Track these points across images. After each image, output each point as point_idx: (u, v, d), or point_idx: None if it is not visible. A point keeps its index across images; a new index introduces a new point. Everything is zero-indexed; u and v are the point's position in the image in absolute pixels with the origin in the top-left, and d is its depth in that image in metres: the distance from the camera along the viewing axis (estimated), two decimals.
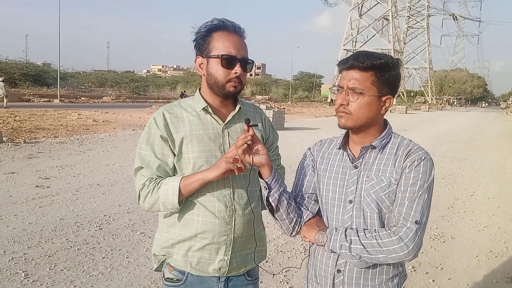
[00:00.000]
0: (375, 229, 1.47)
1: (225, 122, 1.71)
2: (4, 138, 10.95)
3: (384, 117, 1.57)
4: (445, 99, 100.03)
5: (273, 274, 3.70)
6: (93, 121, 17.06)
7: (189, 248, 1.69)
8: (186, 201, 1.66)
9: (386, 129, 1.55)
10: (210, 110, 1.70)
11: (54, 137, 12.44)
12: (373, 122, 1.51)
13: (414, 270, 4.15)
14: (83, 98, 38.14)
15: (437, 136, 18.92)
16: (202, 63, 1.69)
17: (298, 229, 1.61)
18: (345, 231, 1.48)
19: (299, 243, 4.70)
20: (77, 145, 11.26)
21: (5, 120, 15.12)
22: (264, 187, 1.53)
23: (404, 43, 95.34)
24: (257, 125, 1.65)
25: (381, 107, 1.50)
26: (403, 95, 77.36)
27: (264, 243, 1.87)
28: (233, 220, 1.68)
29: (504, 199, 7.51)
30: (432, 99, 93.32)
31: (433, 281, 3.98)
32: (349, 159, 1.56)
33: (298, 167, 1.72)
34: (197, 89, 1.77)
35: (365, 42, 74.61)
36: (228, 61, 1.62)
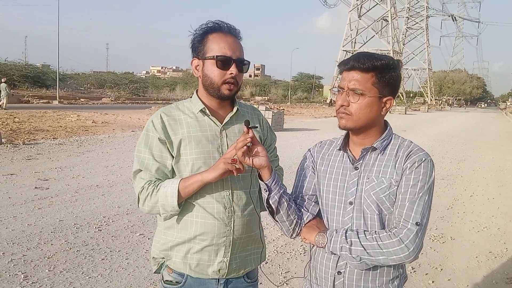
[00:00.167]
0: (375, 231, 1.47)
1: (223, 124, 1.71)
2: (3, 140, 10.94)
3: (384, 118, 1.56)
4: (444, 100, 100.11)
5: (277, 286, 3.67)
6: (92, 122, 17.06)
7: (188, 250, 1.68)
8: (185, 203, 1.66)
9: (387, 130, 1.55)
10: (207, 111, 1.70)
11: (53, 138, 12.43)
12: (374, 123, 1.51)
13: (414, 271, 4.14)
14: (82, 100, 38.14)
15: (436, 136, 18.93)
16: (198, 65, 1.70)
17: (298, 231, 1.61)
18: (346, 232, 1.48)
19: (299, 244, 4.69)
20: (76, 146, 11.25)
21: (4, 121, 15.12)
22: (264, 189, 1.53)
23: (403, 44, 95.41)
24: (257, 127, 1.64)
25: (382, 108, 1.50)
26: (402, 96, 77.42)
27: (263, 245, 1.86)
28: (232, 222, 1.67)
29: (504, 200, 7.51)
30: (431, 100, 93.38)
31: (432, 282, 3.97)
32: (350, 160, 1.56)
33: (298, 168, 1.71)
34: (195, 91, 1.77)
35: (364, 43, 74.69)
36: (223, 62, 1.62)
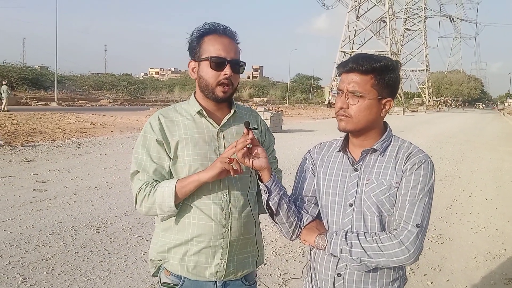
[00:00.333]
0: (375, 233, 1.46)
1: (220, 125, 1.71)
2: (1, 142, 10.92)
3: (384, 120, 1.56)
4: (442, 101, 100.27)
5: None
6: (90, 124, 17.04)
7: (185, 252, 1.68)
8: (182, 205, 1.66)
9: (387, 132, 1.55)
10: (204, 113, 1.70)
11: (52, 140, 12.40)
12: (373, 125, 1.51)
13: (413, 272, 4.14)
14: (80, 101, 38.06)
15: (434, 137, 18.96)
16: (195, 67, 1.71)
17: (298, 233, 1.60)
18: (346, 234, 1.47)
19: (298, 245, 4.69)
20: (74, 148, 11.24)
21: (2, 123, 15.09)
22: (264, 190, 1.53)
23: (401, 45, 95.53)
24: (257, 128, 1.64)
25: (381, 110, 1.49)
26: (401, 97, 77.44)
27: (262, 247, 1.86)
28: (230, 223, 1.67)
29: (502, 201, 7.52)
30: (429, 100, 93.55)
31: (431, 283, 3.98)
32: (349, 162, 1.56)
33: (298, 170, 1.71)
34: (193, 93, 1.78)
35: (362, 44, 74.74)
36: (217, 63, 1.62)
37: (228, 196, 1.67)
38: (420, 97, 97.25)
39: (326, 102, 59.20)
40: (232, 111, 1.74)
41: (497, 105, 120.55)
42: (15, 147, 10.66)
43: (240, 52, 1.71)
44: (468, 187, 8.59)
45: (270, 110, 22.55)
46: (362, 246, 1.43)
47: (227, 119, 1.73)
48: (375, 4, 75.03)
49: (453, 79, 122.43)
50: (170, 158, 1.66)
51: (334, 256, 1.50)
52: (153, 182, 1.64)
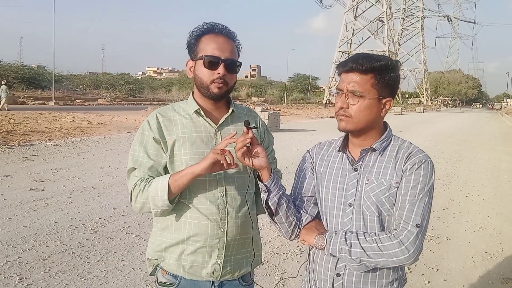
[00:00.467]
0: (375, 233, 1.46)
1: (218, 125, 1.71)
2: None
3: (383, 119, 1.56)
4: (440, 101, 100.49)
5: None
6: (88, 123, 16.99)
7: (181, 252, 1.67)
8: (178, 204, 1.65)
9: (386, 132, 1.54)
10: (202, 112, 1.70)
11: (49, 139, 12.36)
12: (373, 125, 1.50)
13: (410, 272, 4.15)
14: (78, 101, 38.02)
15: (432, 137, 19.00)
16: (192, 66, 1.71)
17: (297, 233, 1.60)
18: (345, 234, 1.47)
19: (295, 245, 4.68)
20: (71, 147, 11.21)
21: None
22: (264, 190, 1.52)
23: (399, 45, 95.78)
24: (256, 127, 1.63)
25: (381, 110, 1.49)
26: (398, 96, 77.60)
27: (259, 248, 1.85)
28: (226, 223, 1.66)
29: (499, 200, 7.54)
30: (427, 100, 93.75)
31: (428, 282, 3.98)
32: (349, 161, 1.55)
33: (297, 169, 1.71)
34: (191, 93, 1.77)
35: (360, 44, 74.91)
36: (210, 62, 1.63)
37: (225, 195, 1.66)
38: (418, 97, 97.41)
39: (324, 102, 59.24)
40: (230, 111, 1.74)
41: (493, 105, 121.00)
42: (12, 147, 10.62)
43: (240, 52, 1.70)
44: (465, 186, 8.61)
45: (268, 109, 22.53)
46: (361, 246, 1.42)
47: (225, 119, 1.72)
48: (373, 4, 75.16)
49: (450, 79, 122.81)
50: (167, 157, 1.66)
51: (334, 256, 1.49)
52: (148, 178, 1.63)
